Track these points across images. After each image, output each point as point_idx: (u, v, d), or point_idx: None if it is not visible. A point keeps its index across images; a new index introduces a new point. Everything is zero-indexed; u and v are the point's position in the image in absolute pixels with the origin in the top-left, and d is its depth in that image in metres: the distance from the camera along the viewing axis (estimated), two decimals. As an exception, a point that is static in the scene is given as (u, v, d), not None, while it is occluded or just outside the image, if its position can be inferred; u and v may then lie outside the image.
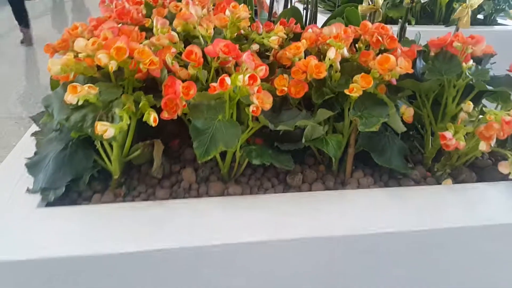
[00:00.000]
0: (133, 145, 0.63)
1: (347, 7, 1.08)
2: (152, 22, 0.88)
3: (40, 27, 4.87)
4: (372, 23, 0.89)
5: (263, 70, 0.57)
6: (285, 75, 0.63)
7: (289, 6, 1.08)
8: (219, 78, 0.54)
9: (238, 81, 0.55)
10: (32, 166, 0.62)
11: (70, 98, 0.53)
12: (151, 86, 0.65)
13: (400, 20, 1.02)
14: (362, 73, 0.62)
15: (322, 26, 1.03)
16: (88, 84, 0.54)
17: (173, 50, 0.65)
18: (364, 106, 0.63)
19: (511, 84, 0.67)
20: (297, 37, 0.87)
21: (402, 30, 0.97)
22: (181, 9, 0.88)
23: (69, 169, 0.60)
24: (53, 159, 0.61)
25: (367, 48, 0.74)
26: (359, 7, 0.86)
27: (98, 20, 0.80)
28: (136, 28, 0.67)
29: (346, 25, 1.05)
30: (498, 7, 2.02)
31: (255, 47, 0.78)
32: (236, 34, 0.76)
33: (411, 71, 0.63)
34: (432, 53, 0.70)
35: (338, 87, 0.64)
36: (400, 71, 0.62)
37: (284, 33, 0.76)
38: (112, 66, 0.54)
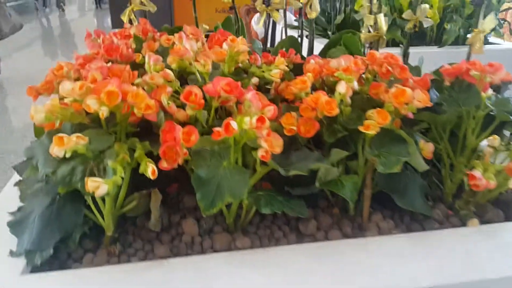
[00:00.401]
0: (128, 195, 0.57)
1: (344, 33, 1.04)
2: (143, 57, 0.83)
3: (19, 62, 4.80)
4: (376, 51, 0.85)
5: (271, 110, 0.52)
6: (293, 113, 0.58)
7: (282, 35, 1.04)
8: (224, 122, 0.48)
9: (244, 124, 0.49)
10: (16, 225, 0.55)
11: (57, 151, 0.47)
12: (144, 127, 0.59)
13: (401, 44, 0.99)
14: (378, 108, 0.57)
15: (321, 55, 0.99)
16: (76, 134, 0.48)
17: (169, 89, 0.59)
18: (380, 143, 0.58)
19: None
20: (297, 68, 0.83)
21: (405, 56, 0.94)
22: (173, 43, 0.84)
23: (57, 227, 0.53)
24: (38, 216, 0.54)
25: (375, 79, 0.70)
26: (362, 35, 0.82)
27: (84, 57, 0.75)
28: (127, 67, 0.61)
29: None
30: (487, 26, 2.02)
31: (254, 80, 0.73)
32: (234, 68, 0.71)
33: (430, 104, 0.58)
34: (446, 82, 0.66)
35: (350, 124, 0.58)
36: (418, 104, 0.58)
37: (286, 65, 0.71)
38: (103, 112, 0.48)
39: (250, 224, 0.60)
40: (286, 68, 0.71)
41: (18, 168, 0.65)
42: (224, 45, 0.68)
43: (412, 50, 1.00)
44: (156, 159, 0.51)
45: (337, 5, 2.15)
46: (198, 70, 0.64)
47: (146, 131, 0.59)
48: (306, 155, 0.58)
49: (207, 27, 1.09)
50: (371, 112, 0.58)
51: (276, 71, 0.69)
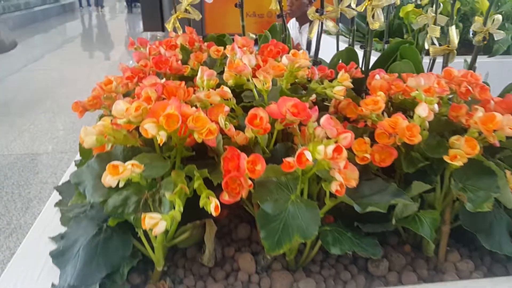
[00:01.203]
0: (179, 225, 0.52)
1: (400, 43, 0.97)
2: (192, 69, 0.79)
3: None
4: (445, 66, 0.78)
5: (347, 138, 0.45)
6: (366, 138, 0.51)
7: (313, 39, 0.96)
8: (297, 152, 0.42)
9: (318, 154, 0.43)
10: (58, 256, 0.50)
11: (110, 180, 0.42)
12: (198, 150, 0.54)
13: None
14: (465, 136, 0.50)
15: (374, 67, 0.92)
16: (132, 162, 0.43)
17: (226, 108, 0.54)
18: (465, 175, 0.51)
19: None
20: (357, 83, 0.76)
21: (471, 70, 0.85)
22: (224, 56, 0.79)
23: (104, 260, 0.48)
24: (83, 248, 0.49)
25: (450, 98, 0.63)
26: (431, 48, 0.75)
27: (133, 70, 0.71)
28: (183, 84, 0.56)
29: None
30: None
31: (312, 96, 0.67)
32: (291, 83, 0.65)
33: (523, 131, 0.50)
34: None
35: (432, 151, 0.51)
36: (510, 132, 0.50)
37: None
38: (162, 137, 0.43)
39: (313, 262, 0.54)
40: (351, 84, 0.65)
41: (60, 190, 0.61)
42: (284, 59, 0.62)
43: (461, 59, 0.91)
44: (212, 187, 0.46)
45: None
46: (257, 88, 0.59)
47: (200, 153, 0.54)
48: (381, 186, 0.51)
49: (254, 36, 1.03)
50: (455, 139, 0.51)
51: (339, 88, 0.63)
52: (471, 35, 1.99)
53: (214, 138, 0.46)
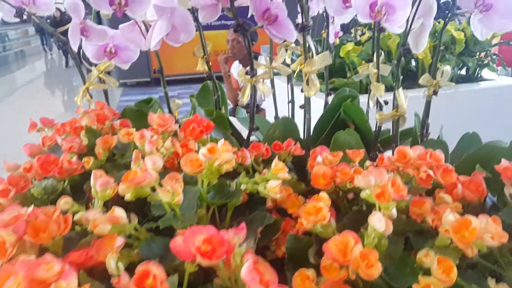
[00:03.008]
0: None
1: (343, 98, 0.87)
2: (97, 160, 0.64)
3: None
4: (393, 133, 0.67)
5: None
6: (310, 272, 0.38)
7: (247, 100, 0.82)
8: None
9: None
10: None
11: None
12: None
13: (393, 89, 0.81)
14: (438, 256, 0.38)
15: (316, 134, 0.81)
16: None
17: (118, 242, 0.39)
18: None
19: None
20: (298, 163, 0.64)
21: (425, 127, 0.76)
22: (135, 146, 0.64)
23: None
24: None
25: (407, 183, 0.51)
26: (377, 115, 0.64)
27: (10, 179, 0.55)
28: (57, 212, 0.41)
29: (343, 126, 0.84)
30: (481, 62, 1.91)
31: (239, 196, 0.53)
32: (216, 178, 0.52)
33: (506, 240, 0.39)
34: (510, 189, 0.48)
35: (395, 280, 0.39)
36: (491, 242, 0.39)
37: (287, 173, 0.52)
38: None
39: None
40: (287, 176, 0.52)
41: None
42: (200, 155, 0.49)
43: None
44: None
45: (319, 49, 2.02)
46: (164, 201, 0.44)
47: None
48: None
49: (181, 103, 0.90)
50: (423, 255, 0.39)
51: (274, 183, 0.50)
52: (413, 66, 1.98)
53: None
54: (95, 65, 0.83)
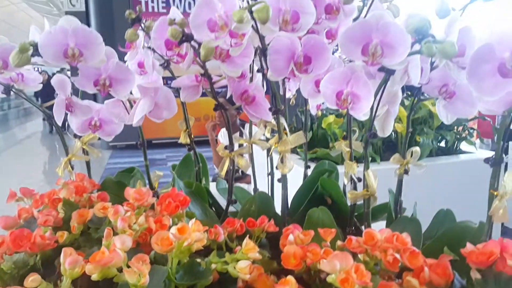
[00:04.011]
0: None
1: (321, 173, 0.89)
2: (71, 234, 0.64)
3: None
4: (365, 211, 0.69)
5: None
6: None
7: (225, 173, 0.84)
8: None
9: None
10: None
11: None
12: None
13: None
14: None
15: (293, 208, 0.82)
16: None
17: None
18: None
19: None
20: (272, 239, 0.64)
21: (398, 204, 0.78)
22: (109, 221, 0.64)
23: None
24: None
25: (376, 265, 0.52)
26: (349, 194, 0.66)
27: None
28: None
29: (323, 199, 0.85)
30: (459, 136, 1.99)
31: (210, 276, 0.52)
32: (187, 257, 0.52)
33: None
34: (476, 274, 0.48)
35: None
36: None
37: (258, 251, 0.53)
38: None
39: None
40: (258, 256, 0.52)
41: None
42: (170, 235, 0.49)
43: (385, 165, 0.85)
44: None
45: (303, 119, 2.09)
46: (130, 284, 0.44)
47: None
48: None
49: (161, 174, 0.92)
50: None
51: (244, 264, 0.50)
52: (393, 138, 2.05)
53: None
54: (79, 136, 0.85)
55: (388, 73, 0.53)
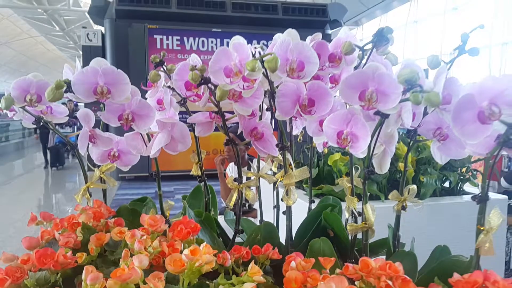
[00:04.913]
0: None
1: (325, 207, 0.94)
2: (89, 256, 0.69)
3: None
4: (363, 242, 0.73)
5: None
6: None
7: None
8: None
9: None
10: None
11: None
12: None
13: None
14: None
15: (297, 239, 0.86)
16: None
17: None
18: None
19: None
20: (276, 266, 0.69)
21: (396, 239, 0.82)
22: (125, 244, 0.70)
23: None
24: None
25: (372, 291, 0.56)
26: (348, 226, 0.71)
27: (8, 270, 0.59)
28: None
29: (325, 232, 0.90)
30: (462, 177, 2.02)
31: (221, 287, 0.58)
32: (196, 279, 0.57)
33: None
34: (462, 301, 0.52)
35: None
36: None
37: (262, 275, 0.57)
38: None
39: None
40: (262, 279, 0.57)
41: None
42: (183, 256, 0.54)
43: (389, 203, 0.90)
44: None
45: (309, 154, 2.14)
46: (146, 298, 0.49)
47: None
48: None
49: (173, 204, 0.97)
50: None
51: (249, 285, 0.55)
52: (398, 177, 2.09)
53: None
54: (98, 166, 0.92)
55: (383, 116, 0.59)
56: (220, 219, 1.15)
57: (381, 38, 0.61)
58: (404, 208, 0.79)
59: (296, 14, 7.15)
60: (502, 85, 0.47)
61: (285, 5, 7.16)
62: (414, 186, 0.79)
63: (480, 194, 0.59)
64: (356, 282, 0.57)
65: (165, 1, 6.45)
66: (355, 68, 0.73)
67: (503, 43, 8.75)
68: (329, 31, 7.47)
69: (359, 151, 0.61)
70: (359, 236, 0.78)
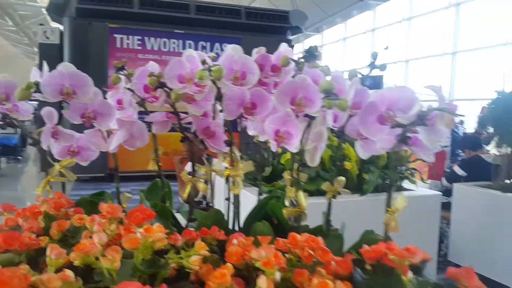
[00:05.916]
0: None
1: (270, 198, 1.06)
2: (51, 239, 0.76)
3: None
4: (297, 224, 0.85)
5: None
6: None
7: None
8: None
9: None
10: None
11: None
12: None
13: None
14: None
15: (245, 226, 0.97)
16: None
17: (68, 297, 0.52)
18: None
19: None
20: (222, 246, 0.79)
21: (328, 223, 0.95)
22: (84, 226, 0.78)
23: None
24: None
25: (298, 261, 0.68)
26: (284, 210, 0.83)
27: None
28: (20, 271, 0.54)
29: (270, 220, 1.01)
30: (401, 175, 2.22)
31: (173, 265, 0.67)
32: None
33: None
34: (368, 266, 0.65)
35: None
36: (341, 300, 0.55)
37: (208, 250, 0.68)
38: None
39: None
40: (207, 252, 0.67)
41: None
42: (138, 234, 0.64)
43: (340, 198, 1.02)
44: None
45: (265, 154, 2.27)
46: (105, 267, 0.58)
47: None
48: None
49: (130, 196, 1.05)
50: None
51: (195, 257, 0.65)
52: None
53: None
54: (58, 160, 0.98)
55: (311, 118, 0.71)
56: (176, 215, 1.24)
57: (311, 55, 0.73)
58: (334, 196, 0.92)
59: (258, 19, 7.30)
60: (396, 95, 0.60)
61: (248, 10, 7.30)
62: (343, 178, 0.92)
63: (388, 183, 0.72)
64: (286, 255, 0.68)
65: (127, 1, 6.40)
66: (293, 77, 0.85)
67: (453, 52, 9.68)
68: (290, 37, 7.69)
69: (293, 147, 0.73)
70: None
